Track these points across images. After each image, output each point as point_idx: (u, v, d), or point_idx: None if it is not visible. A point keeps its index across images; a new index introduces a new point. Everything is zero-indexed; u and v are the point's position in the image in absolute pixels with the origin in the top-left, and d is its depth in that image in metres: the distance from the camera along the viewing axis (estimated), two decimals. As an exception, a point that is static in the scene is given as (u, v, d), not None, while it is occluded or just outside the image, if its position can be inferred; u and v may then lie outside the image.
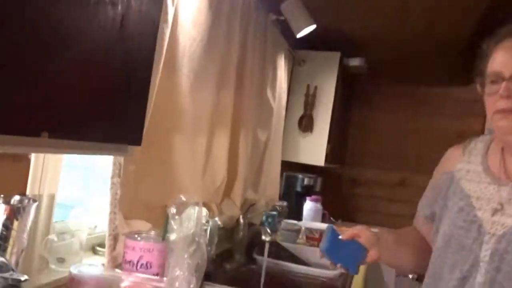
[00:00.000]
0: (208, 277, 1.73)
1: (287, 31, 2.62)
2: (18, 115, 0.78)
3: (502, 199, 1.07)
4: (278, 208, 2.88)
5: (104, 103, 0.98)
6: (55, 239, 1.25)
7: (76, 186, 1.62)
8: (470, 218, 1.09)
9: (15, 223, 0.97)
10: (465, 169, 1.17)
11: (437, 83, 3.80)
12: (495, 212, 1.06)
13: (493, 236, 1.04)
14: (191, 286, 1.25)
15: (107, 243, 1.30)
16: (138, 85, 1.13)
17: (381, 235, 1.22)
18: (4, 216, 0.99)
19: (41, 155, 1.20)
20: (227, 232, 2.30)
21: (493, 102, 1.04)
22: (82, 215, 1.46)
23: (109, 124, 0.98)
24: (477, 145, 1.20)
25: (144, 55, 1.15)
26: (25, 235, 1.00)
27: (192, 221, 1.37)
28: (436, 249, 1.18)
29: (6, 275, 0.85)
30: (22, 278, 0.86)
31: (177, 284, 1.21)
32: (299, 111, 3.18)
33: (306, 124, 3.17)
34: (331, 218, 3.34)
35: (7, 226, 0.99)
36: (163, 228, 1.34)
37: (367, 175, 3.94)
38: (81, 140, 0.90)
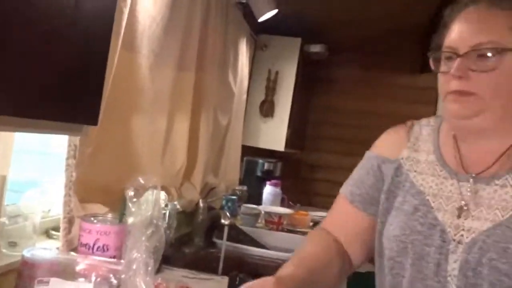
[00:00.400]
0: (167, 260, 1.72)
1: (249, 16, 2.61)
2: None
3: (464, 197, 0.91)
4: (238, 192, 2.90)
5: (59, 81, 0.94)
6: (7, 222, 1.21)
7: (29, 168, 1.57)
8: (429, 221, 0.91)
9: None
10: (413, 158, 1.00)
11: (397, 70, 3.88)
12: (458, 213, 0.90)
13: (459, 245, 0.87)
14: (149, 268, 1.23)
15: (61, 226, 1.27)
16: (94, 65, 1.10)
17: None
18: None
19: (-9, 135, 1.15)
20: (186, 216, 2.29)
21: (446, 81, 0.89)
22: (35, 198, 1.42)
23: (64, 103, 0.95)
24: (422, 130, 1.03)
25: (100, 34, 1.12)
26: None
27: (150, 203, 1.36)
28: (385, 260, 0.97)
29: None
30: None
31: (134, 266, 1.19)
32: (260, 96, 3.19)
33: (267, 109, 3.19)
34: (290, 203, 3.39)
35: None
36: (120, 210, 1.32)
37: (326, 160, 4.00)
38: (34, 118, 0.86)
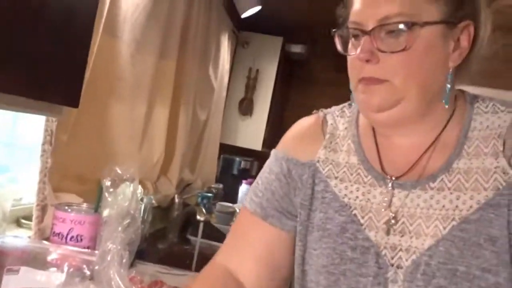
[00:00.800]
0: (140, 254, 1.68)
1: (232, 11, 2.59)
2: None
3: (394, 207, 0.73)
4: (213, 190, 2.86)
5: (41, 60, 0.90)
6: (-25, 207, 1.15)
7: (1, 153, 1.50)
8: (360, 243, 0.73)
9: None
10: (332, 161, 0.80)
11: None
12: (387, 229, 0.73)
13: (398, 270, 0.71)
14: (124, 260, 1.19)
15: (34, 213, 1.21)
16: (77, 46, 1.06)
17: None
18: None
19: (-39, 116, 1.09)
20: (161, 211, 2.24)
21: (354, 66, 0.73)
22: (5, 185, 1.36)
23: (45, 82, 0.90)
24: (338, 123, 0.84)
25: (84, 15, 1.07)
26: None
27: (127, 195, 1.32)
28: None
29: None
30: None
31: (109, 257, 1.15)
32: (239, 94, 3.17)
33: (246, 107, 3.17)
34: (266, 202, 3.37)
35: None
36: (96, 200, 1.27)
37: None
38: (13, 94, 0.82)
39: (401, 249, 0.71)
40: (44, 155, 1.19)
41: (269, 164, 0.87)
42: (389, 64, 0.69)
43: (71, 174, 1.39)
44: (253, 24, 2.85)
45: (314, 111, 0.89)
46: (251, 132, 3.18)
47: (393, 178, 0.75)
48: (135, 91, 1.67)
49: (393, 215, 0.73)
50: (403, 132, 0.77)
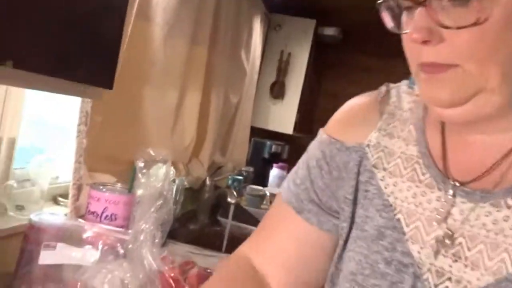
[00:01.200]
0: (172, 235, 1.72)
1: (264, -7, 2.56)
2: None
3: (451, 220, 0.56)
4: (244, 173, 2.88)
5: (75, 41, 0.92)
6: (15, 185, 1.19)
7: (36, 136, 1.55)
8: (397, 257, 0.58)
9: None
10: (384, 147, 0.65)
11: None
12: (436, 248, 0.56)
13: None
14: (156, 240, 1.22)
15: (70, 192, 1.25)
16: (111, 29, 1.07)
17: None
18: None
19: (1, 97, 1.13)
20: (192, 193, 2.28)
21: (411, 49, 0.55)
22: (43, 163, 1.40)
23: (81, 64, 0.92)
24: (403, 100, 0.67)
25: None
26: (-17, 178, 0.95)
27: (160, 176, 1.34)
28: None
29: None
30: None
31: (142, 237, 1.18)
32: (271, 77, 3.15)
33: (277, 90, 3.14)
34: (296, 186, 3.36)
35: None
36: (130, 181, 1.30)
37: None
38: (48, 75, 0.84)
39: (449, 278, 0.54)
40: (79, 136, 1.22)
41: (312, 147, 0.73)
42: (457, 44, 0.50)
43: (105, 155, 1.42)
44: (285, 6, 2.81)
45: (382, 86, 0.71)
46: (282, 116, 3.16)
47: (458, 184, 0.57)
48: (168, 75, 1.69)
49: (449, 232, 0.55)
50: (481, 129, 0.58)
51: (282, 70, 3.14)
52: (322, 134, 0.72)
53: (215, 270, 0.77)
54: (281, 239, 0.71)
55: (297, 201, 0.70)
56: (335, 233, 0.68)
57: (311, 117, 3.90)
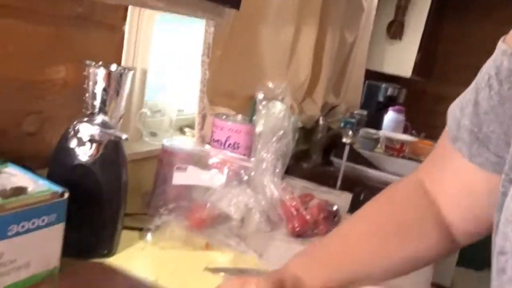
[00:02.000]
0: (287, 171, 1.74)
1: None
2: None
3: None
4: (357, 116, 2.81)
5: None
6: (148, 113, 1.28)
7: (164, 68, 1.62)
8: None
9: (113, 88, 0.99)
10: None
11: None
12: None
13: None
14: (277, 170, 1.25)
15: (196, 120, 1.31)
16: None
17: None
18: (104, 81, 1.00)
19: (134, 29, 1.19)
20: (305, 132, 2.28)
21: None
22: (171, 96, 1.48)
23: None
24: None
25: None
26: (123, 103, 1.02)
27: (279, 109, 1.35)
28: (495, 253, 0.48)
29: (110, 131, 0.87)
30: (123, 137, 0.89)
31: (264, 165, 1.21)
32: (389, 16, 2.97)
33: (395, 30, 2.96)
34: (413, 131, 3.21)
35: (107, 90, 1.00)
36: (250, 112, 1.33)
37: (455, 93, 3.68)
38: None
39: None
40: (203, 66, 1.26)
41: (488, 62, 0.56)
42: None
43: (223, 89, 1.46)
44: None
45: None
46: (399, 58, 2.99)
47: None
48: (283, 11, 1.66)
49: None
50: None
51: (402, 8, 2.93)
52: (501, 45, 0.53)
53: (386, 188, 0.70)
54: (448, 170, 0.63)
55: (456, 126, 0.60)
56: (491, 170, 0.56)
57: (432, 60, 3.63)
